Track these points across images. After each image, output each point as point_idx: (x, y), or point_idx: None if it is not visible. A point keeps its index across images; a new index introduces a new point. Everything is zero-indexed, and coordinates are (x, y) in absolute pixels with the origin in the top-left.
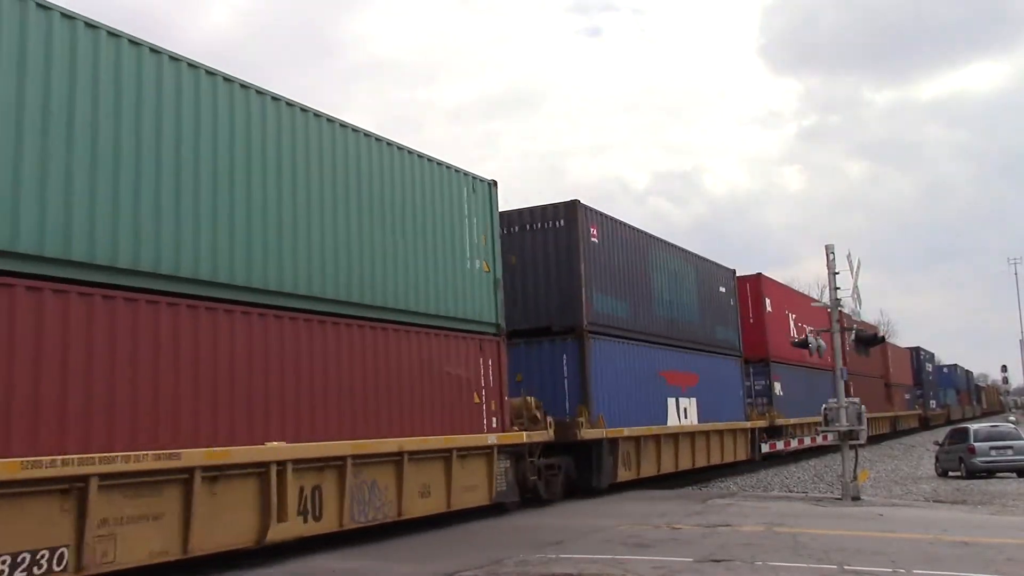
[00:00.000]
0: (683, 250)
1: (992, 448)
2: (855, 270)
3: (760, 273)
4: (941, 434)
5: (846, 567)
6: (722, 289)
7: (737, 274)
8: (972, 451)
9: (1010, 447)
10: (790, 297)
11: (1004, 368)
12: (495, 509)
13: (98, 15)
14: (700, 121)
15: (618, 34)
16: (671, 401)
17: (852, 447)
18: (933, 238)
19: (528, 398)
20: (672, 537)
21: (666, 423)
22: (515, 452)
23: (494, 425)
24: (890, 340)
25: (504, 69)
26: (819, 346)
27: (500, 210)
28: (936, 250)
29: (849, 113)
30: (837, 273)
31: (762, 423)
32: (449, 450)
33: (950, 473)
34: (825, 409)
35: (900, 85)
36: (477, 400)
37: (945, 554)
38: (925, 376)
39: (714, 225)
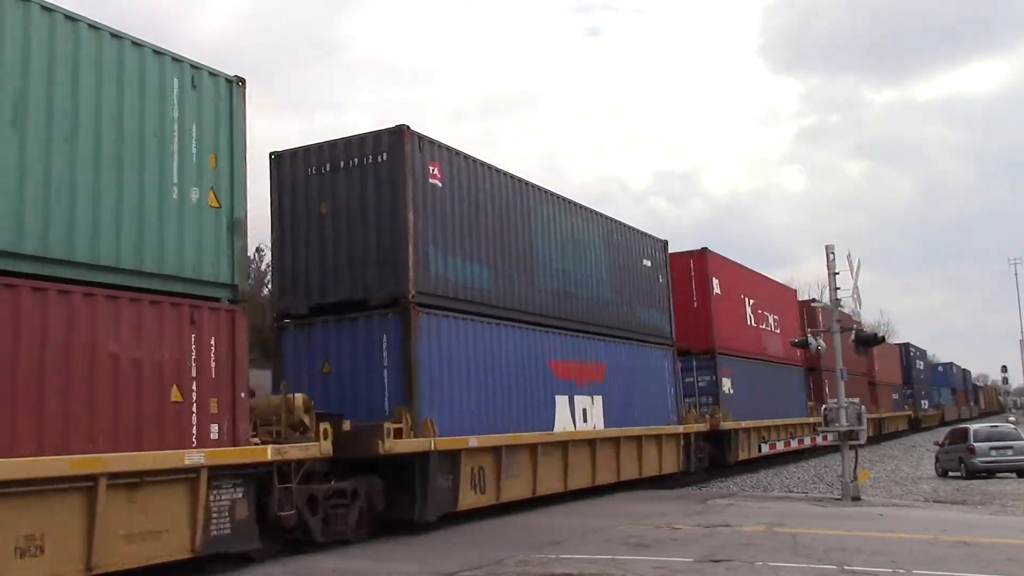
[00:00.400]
0: (587, 209)
1: (992, 448)
2: (855, 270)
3: (706, 248)
4: (934, 436)
5: (846, 567)
6: (647, 263)
7: (689, 250)
8: (972, 451)
9: (1010, 447)
10: (746, 278)
11: (1004, 368)
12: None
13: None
14: (700, 121)
15: (618, 34)
16: (561, 400)
17: (852, 447)
18: (933, 238)
19: (292, 395)
20: (672, 537)
21: (552, 428)
22: (257, 475)
23: (215, 436)
24: (889, 340)
25: (504, 69)
26: (819, 346)
27: (313, 142)
28: (936, 250)
29: (849, 113)
30: (837, 273)
31: (702, 427)
32: (93, 476)
33: (950, 473)
34: (825, 409)
35: (900, 85)
36: (178, 398)
37: (945, 554)
38: (915, 374)
39: (714, 225)
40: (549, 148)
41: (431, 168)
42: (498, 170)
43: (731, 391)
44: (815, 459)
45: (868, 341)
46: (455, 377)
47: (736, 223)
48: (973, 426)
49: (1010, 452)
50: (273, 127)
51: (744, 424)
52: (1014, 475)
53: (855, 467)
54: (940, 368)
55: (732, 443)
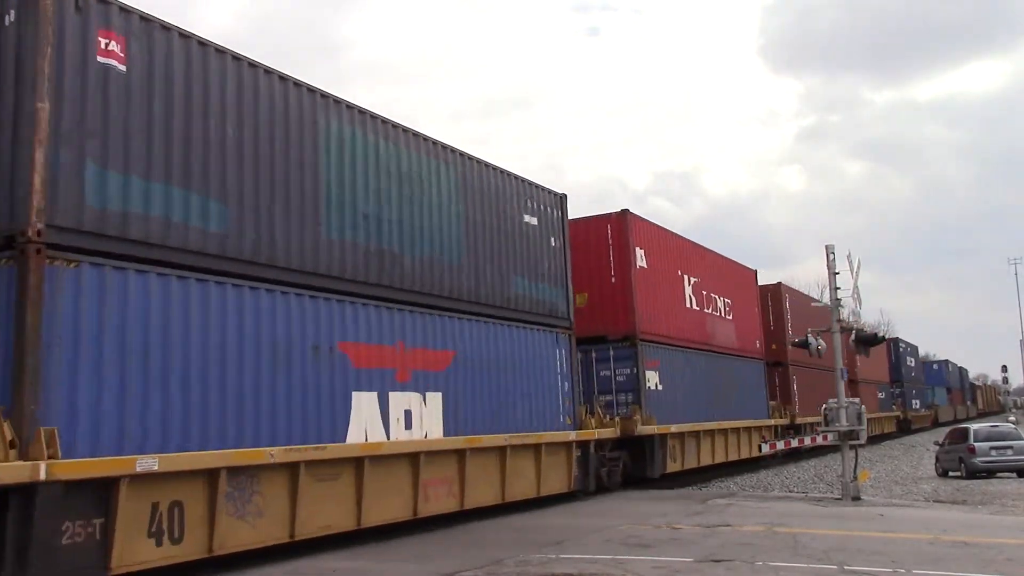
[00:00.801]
0: (430, 140)
1: (992, 448)
2: (855, 270)
3: (627, 211)
4: (926, 437)
5: (846, 567)
6: (530, 220)
7: (605, 213)
8: (972, 451)
9: (1010, 447)
10: (686, 252)
11: (1004, 368)
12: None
13: None
14: (700, 121)
15: (618, 34)
16: (365, 399)
17: (852, 447)
18: (933, 238)
19: None
20: (672, 537)
21: (345, 439)
22: None
23: None
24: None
25: (504, 69)
26: (820, 346)
27: None
28: (936, 250)
29: (849, 113)
30: (837, 273)
31: (608, 433)
32: None
33: (950, 473)
34: (825, 409)
35: (899, 85)
36: None
37: (945, 554)
38: (905, 372)
39: (714, 225)
40: (549, 148)
41: (103, 41)
42: (253, 63)
43: (659, 387)
44: (815, 459)
45: (869, 341)
46: (140, 363)
47: (736, 223)
48: (973, 426)
49: (1010, 452)
50: None
51: (673, 428)
52: (1014, 475)
53: (855, 467)
54: (935, 366)
55: (654, 452)
